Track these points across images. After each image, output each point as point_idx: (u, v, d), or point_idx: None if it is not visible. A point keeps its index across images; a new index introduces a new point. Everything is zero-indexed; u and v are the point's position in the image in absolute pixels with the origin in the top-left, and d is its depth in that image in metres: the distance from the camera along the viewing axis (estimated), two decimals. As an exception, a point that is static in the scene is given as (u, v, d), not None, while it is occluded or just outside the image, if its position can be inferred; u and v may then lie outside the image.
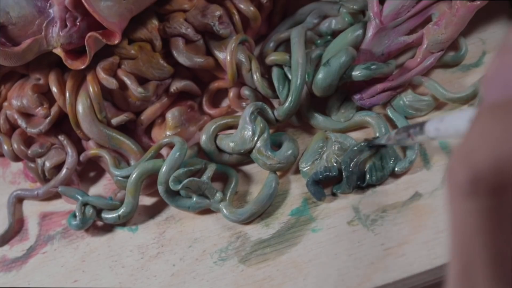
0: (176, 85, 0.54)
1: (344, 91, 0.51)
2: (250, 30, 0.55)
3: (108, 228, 0.51)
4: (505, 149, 0.19)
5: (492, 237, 0.19)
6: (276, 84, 0.52)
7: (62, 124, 0.54)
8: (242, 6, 0.54)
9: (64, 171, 0.53)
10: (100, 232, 0.51)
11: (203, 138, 0.51)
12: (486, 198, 0.19)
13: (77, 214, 0.50)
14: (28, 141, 0.54)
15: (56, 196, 0.54)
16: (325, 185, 0.48)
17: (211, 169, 0.49)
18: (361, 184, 0.47)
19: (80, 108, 0.51)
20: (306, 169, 0.49)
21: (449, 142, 0.48)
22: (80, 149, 0.54)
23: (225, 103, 0.56)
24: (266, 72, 0.54)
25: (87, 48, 0.48)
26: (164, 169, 0.48)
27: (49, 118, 0.52)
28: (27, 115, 0.53)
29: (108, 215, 0.50)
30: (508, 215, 0.19)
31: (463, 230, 0.20)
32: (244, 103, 0.54)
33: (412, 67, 0.50)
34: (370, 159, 0.47)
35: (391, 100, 0.51)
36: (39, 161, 0.53)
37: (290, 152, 0.49)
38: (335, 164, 0.48)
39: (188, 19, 0.53)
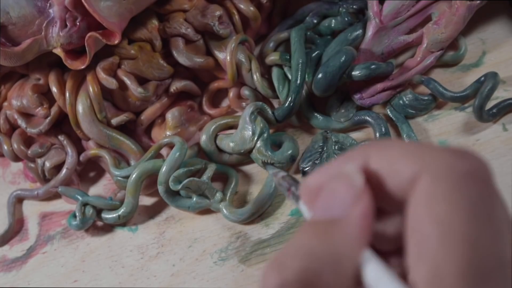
0: (176, 85, 0.54)
1: (344, 91, 0.51)
2: (250, 30, 0.56)
3: (108, 228, 0.51)
4: (311, 263, 0.22)
5: None
6: (276, 84, 0.52)
7: (62, 124, 0.54)
8: (242, 6, 0.54)
9: (64, 171, 0.53)
10: (100, 232, 0.51)
11: (203, 138, 0.51)
12: None
13: (77, 214, 0.50)
14: (28, 141, 0.54)
15: (56, 196, 0.54)
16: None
17: (211, 169, 0.49)
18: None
19: (80, 108, 0.51)
20: (306, 168, 0.49)
21: (449, 143, 0.48)
22: (80, 149, 0.54)
23: (225, 103, 0.56)
24: (266, 72, 0.54)
25: (87, 48, 0.48)
26: (164, 169, 0.48)
27: (49, 118, 0.52)
28: (27, 115, 0.53)
29: (108, 215, 0.50)
30: None
31: None
32: (244, 103, 0.54)
33: (412, 67, 0.50)
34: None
35: (391, 99, 0.51)
36: (39, 161, 0.53)
37: (290, 152, 0.49)
38: (335, 164, 0.48)
39: (188, 19, 0.53)
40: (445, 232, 0.21)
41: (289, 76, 0.51)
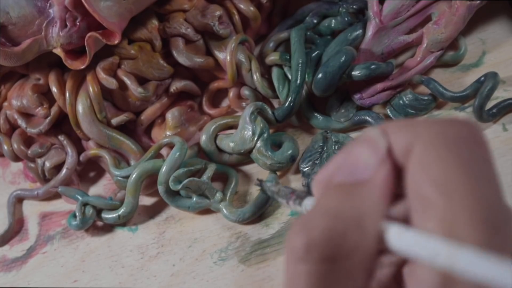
0: (176, 85, 0.54)
1: (344, 91, 0.51)
2: (250, 30, 0.56)
3: (108, 228, 0.51)
4: (337, 223, 0.22)
5: None
6: (276, 84, 0.52)
7: (62, 124, 0.54)
8: (242, 6, 0.54)
9: (64, 171, 0.53)
10: (100, 232, 0.51)
11: (203, 138, 0.51)
12: (315, 263, 0.22)
13: (77, 214, 0.50)
14: (28, 141, 0.54)
15: (56, 196, 0.54)
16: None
17: (211, 169, 0.49)
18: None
19: (80, 108, 0.51)
20: (306, 169, 0.49)
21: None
22: (80, 149, 0.54)
23: (225, 103, 0.56)
24: (266, 72, 0.54)
25: (87, 48, 0.48)
26: (164, 169, 0.48)
27: (49, 118, 0.52)
28: (27, 115, 0.53)
29: (108, 215, 0.50)
30: (334, 281, 0.22)
31: (291, 287, 0.23)
32: (244, 103, 0.54)
33: (412, 67, 0.50)
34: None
35: (391, 99, 0.51)
36: (39, 161, 0.53)
37: (290, 152, 0.49)
38: (335, 164, 0.48)
39: (188, 19, 0.53)
40: (447, 191, 0.21)
41: (289, 76, 0.51)
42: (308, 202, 0.31)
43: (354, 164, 0.24)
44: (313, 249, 0.22)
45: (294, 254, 0.22)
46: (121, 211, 0.50)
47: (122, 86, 0.51)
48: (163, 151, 0.53)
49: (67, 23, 0.48)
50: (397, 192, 0.25)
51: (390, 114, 0.50)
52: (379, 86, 0.50)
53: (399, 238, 0.22)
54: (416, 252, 0.21)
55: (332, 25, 0.54)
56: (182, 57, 0.52)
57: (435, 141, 0.23)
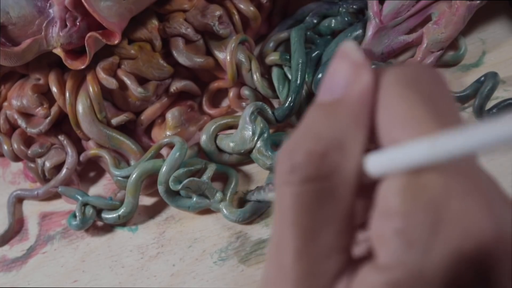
0: (176, 85, 0.54)
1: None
2: (250, 30, 0.56)
3: (108, 228, 0.51)
4: (317, 144, 0.22)
5: (299, 217, 0.22)
6: (276, 84, 0.52)
7: (62, 124, 0.54)
8: (242, 6, 0.54)
9: (64, 171, 0.53)
10: (100, 232, 0.51)
11: (203, 138, 0.51)
12: (298, 184, 0.22)
13: (77, 214, 0.50)
14: (28, 141, 0.54)
15: (56, 196, 0.54)
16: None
17: (211, 169, 0.49)
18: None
19: (80, 108, 0.51)
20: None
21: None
22: (80, 149, 0.54)
23: (225, 103, 0.56)
24: (266, 72, 0.54)
25: (87, 48, 0.48)
26: (164, 169, 0.48)
27: (49, 118, 0.52)
28: (27, 115, 0.53)
29: (108, 215, 0.50)
30: (318, 203, 0.22)
31: (279, 211, 0.23)
32: (244, 103, 0.54)
33: (412, 67, 0.50)
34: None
35: (391, 99, 0.50)
36: (39, 161, 0.53)
37: (290, 152, 0.49)
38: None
39: (188, 19, 0.53)
40: (411, 128, 0.21)
41: (289, 76, 0.51)
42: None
43: (332, 81, 0.24)
44: (296, 171, 0.22)
45: (279, 177, 0.22)
46: (121, 211, 0.50)
47: (122, 86, 0.51)
48: (163, 151, 0.53)
49: (67, 23, 0.48)
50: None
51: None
52: (379, 86, 0.50)
53: (377, 160, 0.22)
54: (396, 165, 0.21)
55: (332, 25, 0.54)
56: (182, 57, 0.52)
57: (395, 81, 0.22)
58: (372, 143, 0.23)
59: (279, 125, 0.52)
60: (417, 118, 0.21)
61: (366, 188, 0.23)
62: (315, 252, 0.22)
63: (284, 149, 0.23)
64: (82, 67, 0.49)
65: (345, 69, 0.23)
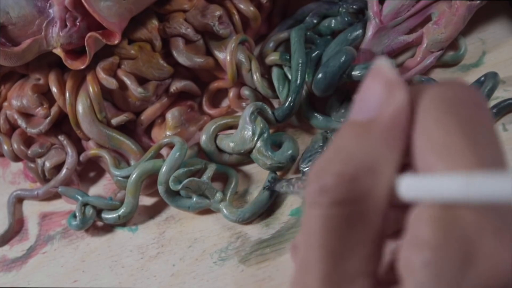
0: (176, 85, 0.54)
1: (344, 91, 0.51)
2: (250, 30, 0.56)
3: (108, 228, 0.51)
4: (348, 166, 0.21)
5: (327, 240, 0.22)
6: (276, 84, 0.52)
7: (62, 124, 0.54)
8: (242, 6, 0.54)
9: (64, 171, 0.53)
10: (100, 232, 0.51)
11: (203, 138, 0.51)
12: (327, 208, 0.21)
13: (77, 214, 0.50)
14: (28, 141, 0.54)
15: (56, 196, 0.54)
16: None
17: (211, 169, 0.49)
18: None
19: (80, 108, 0.51)
20: (306, 169, 0.49)
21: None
22: (80, 149, 0.54)
23: (225, 103, 0.56)
24: (266, 72, 0.54)
25: (87, 48, 0.48)
26: (164, 169, 0.48)
27: (49, 118, 0.52)
28: (27, 115, 0.53)
29: (108, 215, 0.50)
30: (347, 226, 0.21)
31: (307, 231, 0.22)
32: (244, 103, 0.54)
33: (412, 67, 0.50)
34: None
35: (391, 99, 0.50)
36: (39, 161, 0.53)
37: (290, 152, 0.49)
38: (335, 164, 0.48)
39: (188, 19, 0.53)
40: (447, 156, 0.20)
41: (289, 76, 0.51)
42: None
43: (365, 100, 0.23)
44: (325, 194, 0.21)
45: (308, 198, 0.22)
46: (121, 211, 0.50)
47: (122, 86, 0.51)
48: (163, 151, 0.53)
49: (67, 23, 0.48)
50: None
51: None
52: (379, 86, 0.50)
53: (410, 184, 0.21)
54: (429, 193, 0.20)
55: (332, 25, 0.54)
56: (182, 57, 0.52)
57: (433, 104, 0.21)
58: (407, 164, 0.23)
59: (279, 125, 0.52)
60: (455, 149, 0.20)
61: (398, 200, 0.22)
62: (342, 276, 0.22)
63: (314, 169, 0.22)
64: (82, 67, 0.49)
65: (379, 88, 0.22)
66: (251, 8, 0.54)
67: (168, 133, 0.52)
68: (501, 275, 0.19)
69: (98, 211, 0.51)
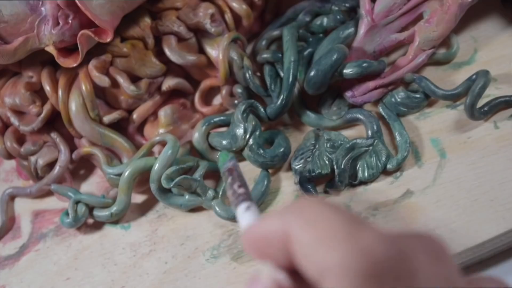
0: (169, 83, 0.54)
1: (336, 88, 0.51)
2: (242, 28, 0.56)
3: (100, 226, 0.51)
4: None
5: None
6: (268, 82, 0.52)
7: (55, 122, 0.54)
8: (234, 4, 0.54)
9: (56, 169, 0.53)
10: (93, 230, 0.51)
11: (195, 136, 0.51)
12: None
13: (69, 212, 0.50)
14: (20, 139, 0.54)
15: (49, 194, 0.54)
16: (317, 182, 0.49)
17: (203, 167, 0.49)
18: (353, 182, 0.48)
19: (72, 106, 0.51)
20: (298, 166, 0.49)
21: (440, 141, 0.48)
22: (72, 147, 0.54)
23: (217, 101, 0.56)
24: (258, 70, 0.54)
25: (79, 46, 0.48)
26: (156, 167, 0.48)
27: (41, 116, 0.52)
28: (20, 113, 0.53)
29: (101, 213, 0.50)
30: None
31: None
32: (236, 101, 0.54)
33: (403, 65, 0.50)
34: (362, 156, 0.48)
35: (383, 97, 0.51)
36: (32, 159, 0.53)
37: (282, 150, 0.49)
38: (327, 162, 0.48)
39: (180, 17, 0.53)
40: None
41: (281, 74, 0.51)
42: (242, 209, 0.34)
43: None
44: None
45: None
46: (114, 209, 0.50)
47: (115, 84, 0.51)
48: (156, 149, 0.53)
49: (60, 21, 0.48)
50: None
51: (382, 112, 0.50)
52: (371, 84, 0.50)
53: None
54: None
55: (324, 23, 0.54)
56: (174, 55, 0.52)
57: (346, 275, 0.23)
58: None
59: (271, 123, 0.52)
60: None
61: None
62: None
63: None
64: (75, 65, 0.49)
65: None
66: (244, 6, 0.54)
67: (160, 131, 0.52)
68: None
69: (91, 209, 0.51)
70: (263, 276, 0.26)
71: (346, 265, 0.23)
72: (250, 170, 0.51)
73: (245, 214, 0.33)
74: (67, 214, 0.50)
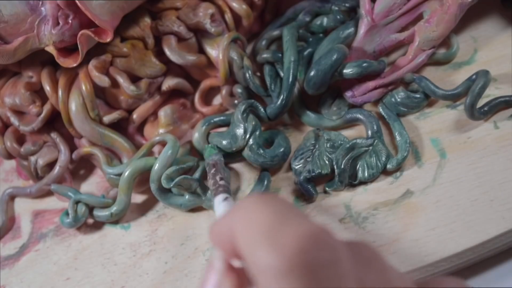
0: (169, 83, 0.54)
1: (336, 88, 0.51)
2: (242, 28, 0.56)
3: (100, 226, 0.51)
4: None
5: None
6: (268, 82, 0.52)
7: (55, 122, 0.54)
8: (234, 4, 0.54)
9: (56, 169, 0.53)
10: (93, 230, 0.51)
11: (195, 136, 0.51)
12: None
13: (69, 212, 0.50)
14: (20, 139, 0.54)
15: (48, 194, 0.54)
16: (317, 182, 0.49)
17: (203, 167, 0.49)
18: (352, 182, 0.48)
19: (72, 106, 0.51)
20: (298, 166, 0.49)
21: (440, 141, 0.48)
22: (72, 147, 0.54)
23: (217, 101, 0.56)
24: (258, 70, 0.54)
25: (79, 46, 0.48)
26: (156, 167, 0.48)
27: (41, 116, 0.52)
28: (20, 113, 0.53)
29: (101, 213, 0.50)
30: None
31: None
32: (236, 101, 0.54)
33: (403, 65, 0.50)
34: (362, 156, 0.48)
35: (383, 97, 0.51)
36: (32, 159, 0.53)
37: (282, 149, 0.49)
38: (327, 162, 0.48)
39: (180, 17, 0.53)
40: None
41: (281, 74, 0.51)
42: (219, 199, 0.38)
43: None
44: None
45: None
46: (114, 209, 0.50)
47: (115, 84, 0.51)
48: (156, 149, 0.53)
49: (59, 21, 0.48)
50: None
51: (382, 112, 0.50)
52: (371, 84, 0.50)
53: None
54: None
55: (324, 23, 0.54)
56: (174, 55, 0.52)
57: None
58: None
59: (271, 123, 0.52)
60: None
61: None
62: None
63: None
64: (75, 65, 0.49)
65: (212, 278, 0.28)
66: (244, 6, 0.54)
67: (160, 130, 0.52)
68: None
69: (91, 209, 0.51)
70: (216, 262, 0.28)
71: (267, 265, 0.24)
72: (250, 170, 0.51)
73: (221, 204, 0.37)
74: (67, 214, 0.50)
